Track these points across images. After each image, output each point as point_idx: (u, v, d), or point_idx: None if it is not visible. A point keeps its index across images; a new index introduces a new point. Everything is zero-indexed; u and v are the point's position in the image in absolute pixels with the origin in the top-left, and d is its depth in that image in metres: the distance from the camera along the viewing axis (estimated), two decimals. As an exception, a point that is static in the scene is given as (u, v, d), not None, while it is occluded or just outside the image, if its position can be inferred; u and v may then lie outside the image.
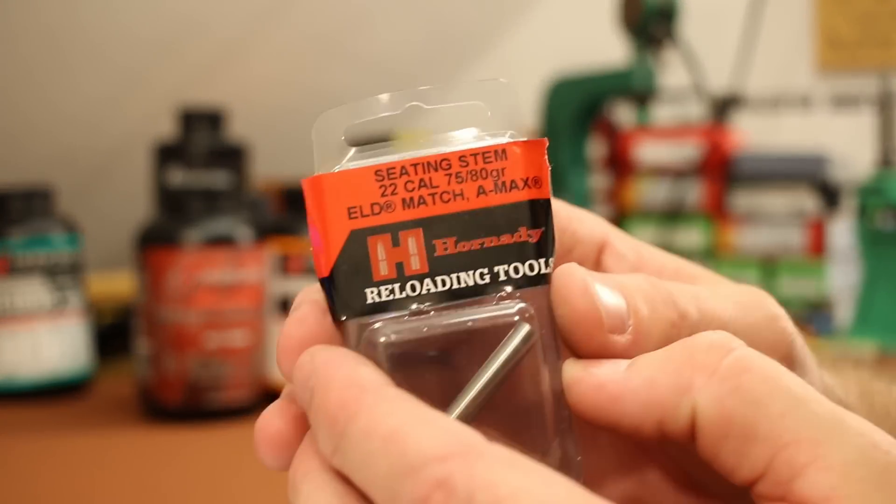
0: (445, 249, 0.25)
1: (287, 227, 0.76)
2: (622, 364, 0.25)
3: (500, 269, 0.25)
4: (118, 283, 0.94)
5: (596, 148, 1.23)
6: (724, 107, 1.20)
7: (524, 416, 0.25)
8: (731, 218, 1.14)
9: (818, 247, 1.09)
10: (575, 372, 0.25)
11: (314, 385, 0.24)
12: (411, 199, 0.25)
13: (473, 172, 0.25)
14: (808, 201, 1.10)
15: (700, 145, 1.16)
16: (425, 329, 0.25)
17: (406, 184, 0.25)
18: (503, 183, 0.25)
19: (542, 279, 0.25)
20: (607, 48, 1.29)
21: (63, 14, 0.99)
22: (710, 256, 1.15)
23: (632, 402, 0.24)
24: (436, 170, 0.25)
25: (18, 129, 1.08)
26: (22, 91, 1.05)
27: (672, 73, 1.20)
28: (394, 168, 0.25)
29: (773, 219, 1.12)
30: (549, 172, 0.25)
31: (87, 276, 0.82)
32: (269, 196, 1.08)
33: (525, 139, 0.25)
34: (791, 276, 1.10)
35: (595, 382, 0.25)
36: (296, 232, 0.76)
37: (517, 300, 0.25)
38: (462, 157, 0.25)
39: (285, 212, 0.79)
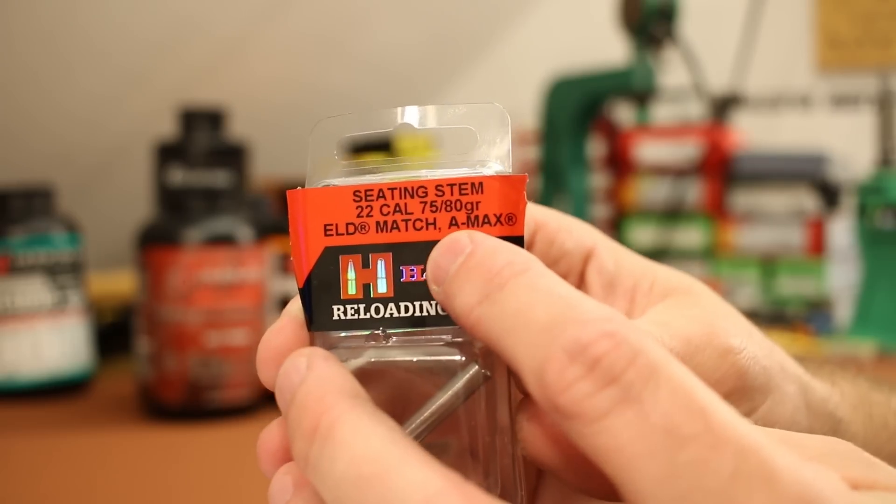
0: (412, 276, 0.25)
1: (287, 227, 0.76)
2: None
3: None
4: (118, 283, 0.94)
5: (596, 147, 1.23)
6: (723, 106, 1.20)
7: (468, 452, 0.25)
8: (730, 217, 1.14)
9: (818, 246, 1.09)
10: (535, 411, 0.25)
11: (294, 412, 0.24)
12: (385, 222, 0.25)
13: (448, 203, 0.25)
14: (807, 201, 1.10)
15: (700, 145, 1.16)
16: (372, 360, 0.25)
17: (382, 207, 0.25)
18: (476, 217, 0.25)
19: None
20: (607, 48, 1.30)
21: (63, 13, 0.99)
22: (710, 256, 1.15)
23: (580, 457, 0.24)
24: (412, 196, 0.25)
25: (19, 127, 1.08)
26: (22, 90, 1.05)
27: (672, 72, 1.20)
28: (371, 190, 0.25)
29: (772, 218, 1.12)
30: (525, 209, 0.25)
31: (87, 275, 0.82)
32: (269, 195, 1.08)
33: (506, 173, 0.25)
34: (791, 276, 1.10)
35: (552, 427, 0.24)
36: (296, 231, 0.76)
37: (474, 340, 0.25)
38: (438, 185, 0.25)
39: (285, 211, 0.79)
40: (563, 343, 0.21)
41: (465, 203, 0.25)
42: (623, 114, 1.31)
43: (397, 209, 0.25)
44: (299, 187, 0.26)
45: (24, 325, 0.77)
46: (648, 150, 1.20)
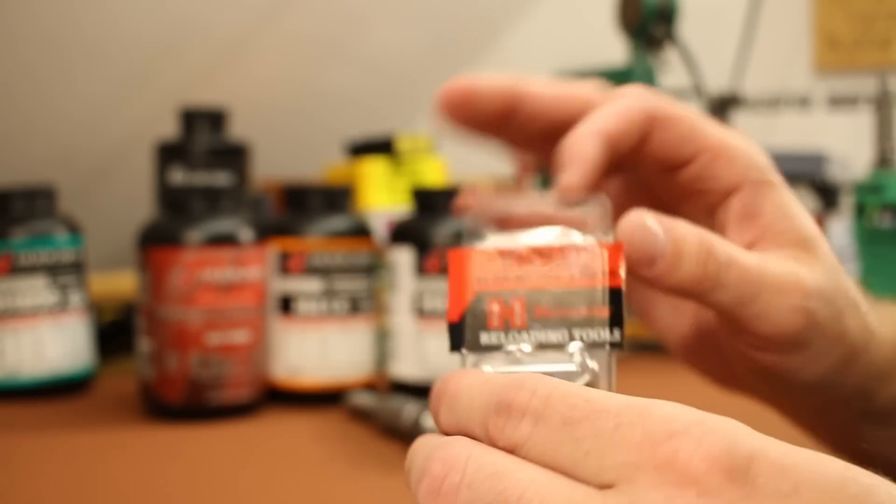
0: (541, 314, 0.33)
1: (288, 227, 0.77)
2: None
3: (578, 332, 0.33)
4: (120, 283, 0.94)
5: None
6: (722, 107, 1.20)
7: None
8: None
9: (816, 246, 1.09)
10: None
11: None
12: (522, 275, 0.34)
13: (569, 262, 0.33)
14: (806, 200, 1.10)
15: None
16: (512, 369, 0.33)
17: (520, 264, 0.34)
18: (588, 272, 0.33)
19: (608, 345, 0.33)
20: (607, 50, 1.30)
21: (63, 15, 1.00)
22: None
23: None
24: (542, 256, 0.34)
25: (19, 130, 1.09)
26: (22, 92, 1.05)
27: (671, 73, 1.20)
28: (513, 252, 0.34)
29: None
30: (623, 269, 0.33)
31: (88, 275, 0.83)
32: (270, 195, 1.08)
33: (609, 243, 0.34)
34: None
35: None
36: (296, 231, 0.76)
37: (585, 357, 0.33)
38: (562, 250, 0.34)
39: (286, 211, 0.79)
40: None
41: (580, 263, 0.33)
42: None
43: (532, 264, 0.34)
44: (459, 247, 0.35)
45: (26, 324, 0.77)
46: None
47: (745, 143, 0.40)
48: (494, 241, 0.36)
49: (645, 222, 0.37)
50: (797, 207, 0.40)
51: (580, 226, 0.37)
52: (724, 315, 0.39)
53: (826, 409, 0.43)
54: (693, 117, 0.40)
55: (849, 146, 1.24)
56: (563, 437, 0.26)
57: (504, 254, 0.34)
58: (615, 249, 0.34)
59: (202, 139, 0.84)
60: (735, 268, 0.37)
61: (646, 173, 0.42)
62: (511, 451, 0.27)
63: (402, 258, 0.75)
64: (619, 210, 0.41)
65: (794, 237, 0.39)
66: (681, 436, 0.24)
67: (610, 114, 0.39)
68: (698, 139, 0.40)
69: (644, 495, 0.24)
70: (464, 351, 0.34)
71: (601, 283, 0.33)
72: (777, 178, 0.41)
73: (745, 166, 0.40)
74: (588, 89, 0.42)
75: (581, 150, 0.38)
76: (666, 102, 0.40)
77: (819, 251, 0.40)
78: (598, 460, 0.25)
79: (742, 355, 0.41)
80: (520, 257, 0.34)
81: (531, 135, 0.42)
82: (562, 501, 0.25)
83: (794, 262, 0.39)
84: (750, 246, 0.40)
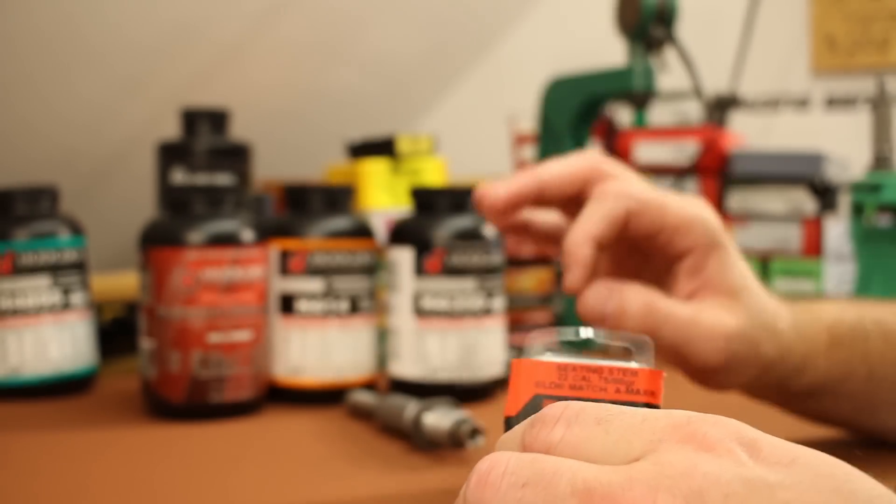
0: None
1: (289, 227, 0.77)
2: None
3: None
4: (121, 282, 0.95)
5: (595, 148, 1.24)
6: (721, 108, 1.21)
7: None
8: (727, 217, 1.15)
9: (814, 246, 1.09)
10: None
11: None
12: (574, 385, 0.39)
13: (615, 379, 0.39)
14: (804, 201, 1.11)
15: (697, 145, 1.17)
16: None
17: (573, 376, 0.39)
18: (631, 389, 0.39)
19: None
20: (606, 52, 1.30)
21: (62, 19, 1.00)
22: (708, 256, 1.15)
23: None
24: (593, 372, 0.39)
25: (20, 133, 1.09)
26: (23, 95, 1.06)
27: (670, 74, 1.21)
28: (569, 367, 0.39)
29: (769, 218, 1.12)
30: (661, 389, 0.38)
31: (91, 275, 0.83)
32: (271, 195, 1.09)
33: (650, 368, 0.39)
34: (787, 276, 1.10)
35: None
36: (297, 231, 0.76)
37: None
38: (611, 370, 0.39)
39: (287, 211, 0.80)
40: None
41: (625, 381, 0.39)
42: (622, 114, 1.31)
43: (583, 378, 0.39)
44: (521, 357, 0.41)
45: (29, 323, 0.77)
46: (646, 151, 1.20)
47: (700, 215, 0.54)
48: (556, 357, 0.41)
49: (598, 291, 0.53)
50: (734, 263, 0.54)
51: (627, 356, 0.44)
52: (666, 353, 0.53)
53: (760, 393, 0.58)
54: (661, 201, 0.53)
55: (847, 147, 1.24)
56: (596, 432, 0.31)
57: (562, 367, 0.39)
58: (655, 374, 0.39)
59: (203, 139, 0.84)
60: (672, 321, 0.52)
61: (627, 244, 0.56)
62: (545, 452, 0.31)
63: (402, 258, 0.76)
64: (609, 269, 0.57)
65: (727, 288, 0.53)
66: (698, 421, 0.30)
67: (597, 218, 0.52)
68: (664, 219, 0.53)
69: (666, 456, 0.29)
70: None
71: (642, 399, 0.39)
72: (724, 239, 0.54)
73: (697, 235, 0.53)
74: (587, 163, 0.55)
75: (577, 255, 0.52)
76: (640, 192, 0.53)
77: (745, 298, 0.54)
78: (626, 445, 0.30)
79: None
80: (575, 371, 0.39)
81: (555, 203, 0.57)
82: (592, 471, 0.29)
83: (722, 311, 0.53)
84: (693, 294, 0.54)
